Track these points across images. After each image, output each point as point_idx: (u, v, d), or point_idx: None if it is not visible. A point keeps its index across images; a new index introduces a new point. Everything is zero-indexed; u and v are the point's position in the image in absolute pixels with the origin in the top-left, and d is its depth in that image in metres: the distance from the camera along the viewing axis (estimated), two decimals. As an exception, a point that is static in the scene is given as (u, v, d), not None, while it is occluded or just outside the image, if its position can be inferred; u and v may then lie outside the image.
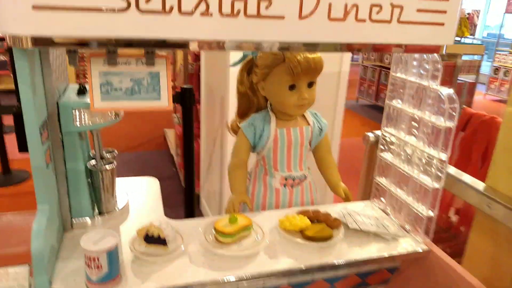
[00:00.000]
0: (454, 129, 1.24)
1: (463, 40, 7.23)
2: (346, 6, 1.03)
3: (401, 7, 1.09)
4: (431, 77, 1.30)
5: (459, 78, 6.34)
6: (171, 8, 0.92)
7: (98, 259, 1.04)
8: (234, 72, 1.73)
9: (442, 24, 1.15)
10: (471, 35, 7.95)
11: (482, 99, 9.48)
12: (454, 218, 2.06)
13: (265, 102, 1.72)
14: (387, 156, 1.54)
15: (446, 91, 1.24)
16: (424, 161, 1.35)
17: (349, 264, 1.29)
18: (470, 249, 1.53)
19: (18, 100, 1.26)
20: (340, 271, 1.44)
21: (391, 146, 1.52)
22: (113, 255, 1.07)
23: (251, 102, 1.73)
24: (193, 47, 0.99)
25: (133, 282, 1.13)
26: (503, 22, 9.84)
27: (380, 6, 1.07)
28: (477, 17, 7.86)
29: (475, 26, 7.97)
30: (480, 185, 1.42)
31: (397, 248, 1.36)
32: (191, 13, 0.93)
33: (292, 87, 1.53)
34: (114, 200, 1.44)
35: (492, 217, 1.34)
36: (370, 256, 1.31)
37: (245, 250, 1.26)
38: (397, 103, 1.46)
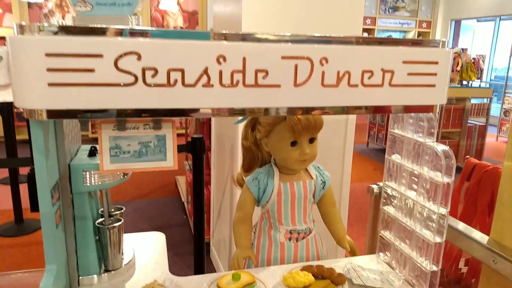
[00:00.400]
0: (452, 184, 1.27)
1: (471, 83, 7.33)
2: (338, 73, 1.10)
3: (392, 72, 1.16)
4: (427, 134, 1.34)
5: (469, 121, 6.37)
6: (175, 82, 1.00)
7: (102, 320, 1.06)
8: (241, 123, 1.80)
9: (433, 86, 1.21)
10: (478, 79, 8.05)
11: (494, 141, 9.42)
12: (464, 269, 2.02)
13: (269, 156, 1.77)
14: (389, 209, 1.56)
15: (441, 148, 1.27)
16: (425, 215, 1.37)
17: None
18: (480, 305, 1.50)
19: (32, 162, 1.34)
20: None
21: (393, 200, 1.54)
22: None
23: (255, 156, 1.78)
24: (196, 115, 1.06)
25: None
26: (510, 65, 9.97)
27: (372, 72, 1.14)
28: (483, 61, 7.99)
29: (482, 70, 8.09)
30: (484, 239, 1.42)
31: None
32: (193, 85, 1.01)
33: (293, 144, 1.59)
34: (120, 257, 1.47)
35: (498, 272, 1.33)
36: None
37: (249, 309, 1.27)
38: (396, 158, 1.50)
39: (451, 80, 5.73)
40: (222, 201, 3.33)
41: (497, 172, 1.95)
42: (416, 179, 1.40)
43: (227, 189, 3.10)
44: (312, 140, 1.61)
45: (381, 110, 1.20)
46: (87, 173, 1.32)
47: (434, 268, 1.33)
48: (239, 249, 1.61)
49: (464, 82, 7.34)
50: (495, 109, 9.74)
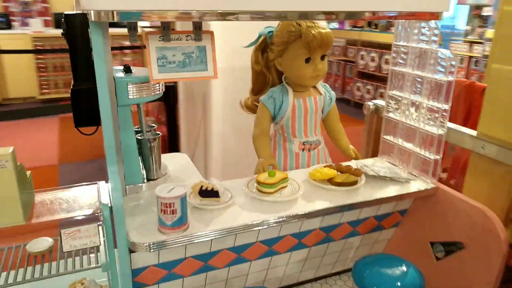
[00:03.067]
0: (454, 83, 1.49)
1: None
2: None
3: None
4: (431, 42, 1.54)
5: None
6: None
7: (173, 205, 1.21)
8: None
9: (439, -5, 1.39)
10: None
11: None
12: None
13: (277, 78, 1.92)
14: (394, 115, 1.77)
15: (445, 51, 1.48)
16: (428, 114, 1.59)
17: (372, 202, 1.51)
18: (466, 192, 1.78)
19: (75, 79, 1.41)
20: (362, 213, 1.66)
21: (397, 106, 1.76)
22: (184, 202, 1.24)
23: (266, 79, 1.92)
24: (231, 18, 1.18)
25: (198, 227, 1.30)
26: (455, 14, 10.44)
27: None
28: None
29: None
30: (474, 132, 1.68)
31: (411, 188, 1.59)
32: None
33: (307, 60, 1.74)
34: (160, 167, 1.60)
35: (486, 156, 1.60)
36: (389, 195, 1.54)
37: (286, 197, 1.46)
38: (400, 68, 1.70)
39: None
40: (194, 153, 3.23)
41: (473, 86, 2.22)
42: (419, 84, 1.62)
43: (200, 141, 2.92)
44: (323, 57, 1.77)
45: (392, 17, 1.37)
46: (131, 86, 1.41)
47: (437, 156, 1.58)
48: (263, 157, 1.79)
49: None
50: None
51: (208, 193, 1.40)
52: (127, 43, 6.30)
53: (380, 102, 2.17)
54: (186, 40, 1.34)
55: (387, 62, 6.12)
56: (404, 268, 1.42)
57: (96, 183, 1.55)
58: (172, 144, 3.12)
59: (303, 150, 1.88)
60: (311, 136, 1.88)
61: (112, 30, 6.32)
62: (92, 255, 1.44)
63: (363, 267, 1.43)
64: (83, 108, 1.41)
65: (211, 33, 1.36)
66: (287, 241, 1.60)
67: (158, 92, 1.52)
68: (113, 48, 6.14)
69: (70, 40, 1.36)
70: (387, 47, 5.13)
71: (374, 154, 2.06)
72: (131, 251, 1.27)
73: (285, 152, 1.89)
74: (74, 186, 1.52)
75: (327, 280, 1.91)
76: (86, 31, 1.32)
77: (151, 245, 1.22)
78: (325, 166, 1.65)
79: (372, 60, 6.49)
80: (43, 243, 1.49)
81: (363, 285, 1.38)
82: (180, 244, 1.26)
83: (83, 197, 1.48)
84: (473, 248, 1.49)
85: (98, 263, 1.38)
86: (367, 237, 1.81)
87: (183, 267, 1.47)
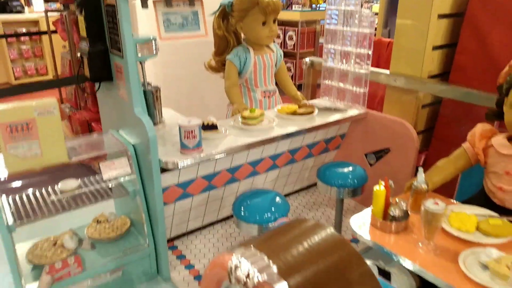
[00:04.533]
0: (373, 34, 2.07)
1: (319, 7, 8.49)
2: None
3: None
4: (356, 4, 2.10)
5: (320, 41, 7.49)
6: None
7: (194, 131, 1.61)
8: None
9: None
10: (324, 2, 9.31)
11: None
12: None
13: (236, 41, 2.35)
14: (330, 64, 2.33)
15: (367, 10, 2.05)
16: (356, 60, 2.17)
17: (325, 125, 2.05)
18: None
19: (90, 45, 1.69)
20: (316, 136, 2.21)
21: (331, 57, 2.31)
22: (200, 129, 1.64)
23: (228, 42, 2.34)
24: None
25: (209, 150, 1.71)
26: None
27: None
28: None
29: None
30: (387, 71, 2.31)
31: (349, 114, 2.17)
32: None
33: (264, 23, 2.20)
34: (161, 114, 1.96)
35: (397, 87, 2.24)
36: (335, 119, 2.09)
37: (266, 126, 1.93)
38: (333, 26, 2.24)
39: (303, 5, 6.33)
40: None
41: (380, 41, 2.89)
42: (349, 37, 2.18)
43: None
44: (275, 21, 2.24)
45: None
46: (139, 45, 1.74)
47: (365, 90, 2.18)
48: (237, 104, 2.22)
49: (314, 6, 8.33)
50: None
51: (209, 127, 1.81)
52: (24, 30, 5.97)
53: (314, 58, 2.73)
54: (183, 6, 1.71)
55: (291, 38, 6.76)
56: (351, 167, 1.99)
57: (109, 132, 1.86)
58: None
59: (264, 97, 2.36)
60: (269, 86, 2.37)
61: (7, 17, 5.90)
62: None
63: (326, 168, 1.97)
64: (98, 66, 1.71)
65: (201, 0, 1.75)
66: (265, 163, 2.09)
67: (154, 52, 1.86)
68: (9, 36, 5.79)
69: (85, 10, 1.64)
70: (289, 24, 5.77)
71: (314, 98, 2.62)
72: (162, 171, 1.64)
73: (250, 100, 2.35)
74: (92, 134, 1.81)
75: (290, 197, 2.45)
76: (99, 2, 1.62)
77: (179, 163, 1.60)
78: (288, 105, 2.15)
79: (277, 37, 7.12)
80: (71, 183, 1.77)
81: (327, 181, 1.92)
82: (200, 161, 1.66)
83: (105, 141, 1.79)
84: (396, 150, 2.13)
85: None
86: (318, 158, 2.38)
87: (194, 186, 1.87)
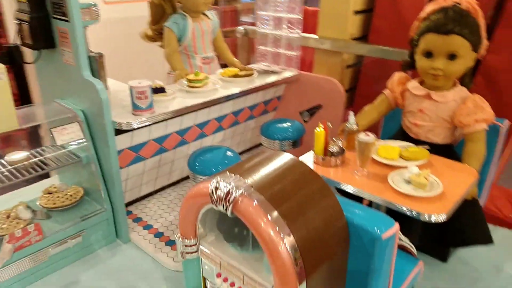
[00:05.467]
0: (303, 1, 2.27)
1: None
2: None
3: None
4: (284, -28, 2.26)
5: (241, 20, 7.67)
6: None
7: (145, 92, 1.68)
8: None
9: None
10: None
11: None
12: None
13: (172, 9, 2.41)
14: (264, 30, 2.49)
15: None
16: (288, 25, 2.36)
17: (265, 86, 2.23)
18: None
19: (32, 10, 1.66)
20: (257, 98, 2.38)
21: (265, 25, 2.47)
22: (151, 90, 1.72)
23: (163, 10, 2.39)
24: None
25: (160, 109, 1.79)
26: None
27: None
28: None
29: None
30: (315, 36, 2.53)
31: (285, 75, 2.36)
32: None
33: None
34: (105, 80, 1.97)
35: (325, 50, 2.48)
36: (273, 80, 2.27)
37: (211, 88, 2.05)
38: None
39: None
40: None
41: (307, 10, 3.11)
42: (280, 4, 2.35)
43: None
44: (211, -13, 2.34)
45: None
46: (81, 11, 1.74)
47: (297, 53, 2.38)
48: (179, 70, 2.29)
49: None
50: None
51: (158, 90, 1.89)
52: None
53: (248, 27, 2.87)
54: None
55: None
56: (290, 123, 2.19)
57: (53, 101, 1.85)
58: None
59: (204, 64, 2.46)
60: (208, 52, 2.47)
61: None
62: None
63: (269, 125, 2.15)
64: (42, 33, 1.69)
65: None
66: (212, 125, 2.21)
67: (96, 17, 1.86)
68: None
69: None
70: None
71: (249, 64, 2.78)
72: (117, 133, 1.69)
73: (190, 67, 2.43)
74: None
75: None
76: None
77: (133, 123, 1.67)
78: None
79: (214, 4, 7.09)
80: (19, 155, 1.74)
81: (270, 135, 2.10)
82: (153, 121, 1.73)
83: (51, 110, 1.78)
84: (327, 105, 2.37)
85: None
86: (258, 119, 2.55)
87: (146, 149, 1.94)
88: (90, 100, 1.66)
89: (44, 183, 2.10)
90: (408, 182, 1.42)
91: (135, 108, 1.71)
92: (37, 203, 1.83)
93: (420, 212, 1.28)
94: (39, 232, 1.63)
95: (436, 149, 1.64)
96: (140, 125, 1.69)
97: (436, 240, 1.69)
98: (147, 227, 1.96)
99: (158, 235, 1.90)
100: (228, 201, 0.97)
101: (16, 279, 1.59)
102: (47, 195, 1.87)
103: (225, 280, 1.14)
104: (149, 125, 1.82)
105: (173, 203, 2.16)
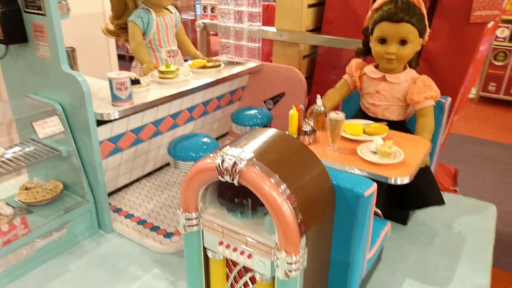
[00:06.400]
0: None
1: None
2: None
3: None
4: (244, -32, 2.39)
5: (183, 17, 7.71)
6: None
7: (125, 83, 1.74)
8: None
9: None
10: None
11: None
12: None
13: (134, 4, 2.45)
14: (226, 24, 2.60)
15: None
16: (249, 18, 2.49)
17: (231, 76, 2.35)
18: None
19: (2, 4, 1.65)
20: (223, 88, 2.49)
21: (227, 18, 2.59)
22: (130, 81, 1.77)
23: (126, 5, 2.42)
24: None
25: (139, 100, 1.85)
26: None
27: None
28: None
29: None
30: (273, 29, 2.69)
31: (249, 66, 2.50)
32: None
33: None
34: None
35: (283, 41, 2.64)
36: (238, 71, 2.40)
37: (183, 79, 2.14)
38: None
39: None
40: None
41: (269, 6, 3.26)
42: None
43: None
44: (172, -16, 2.41)
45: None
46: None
47: (259, 45, 2.52)
48: (147, 63, 2.34)
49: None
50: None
51: (134, 82, 1.94)
52: None
53: (205, 21, 2.97)
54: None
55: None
56: (258, 110, 2.33)
57: (28, 96, 1.84)
58: None
59: (169, 57, 2.53)
60: (172, 46, 2.54)
61: None
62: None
63: (239, 112, 2.27)
64: (14, 27, 1.68)
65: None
66: (184, 115, 2.30)
67: (67, 11, 1.87)
68: None
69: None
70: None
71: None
72: (98, 124, 1.73)
73: (156, 60, 2.49)
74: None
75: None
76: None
77: (114, 114, 1.72)
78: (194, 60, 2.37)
79: None
80: (-4, 151, 1.73)
81: (241, 122, 2.23)
82: (132, 112, 1.79)
83: (26, 105, 1.77)
84: (290, 93, 2.54)
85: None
86: (225, 110, 2.67)
87: (124, 140, 1.99)
88: (70, 93, 1.69)
89: (19, 180, 2.07)
90: (375, 152, 1.62)
91: (115, 99, 1.76)
92: (16, 199, 1.82)
93: (388, 176, 1.49)
94: (25, 226, 1.63)
95: (392, 125, 1.87)
96: (122, 116, 1.75)
97: (396, 206, 1.92)
98: (129, 216, 2.01)
99: (142, 222, 1.96)
100: (235, 171, 1.09)
101: (4, 274, 1.58)
102: (25, 191, 1.86)
103: (228, 246, 1.25)
104: (129, 115, 1.87)
105: (150, 193, 2.21)
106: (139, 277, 1.65)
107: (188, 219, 1.28)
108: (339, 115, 1.65)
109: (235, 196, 1.24)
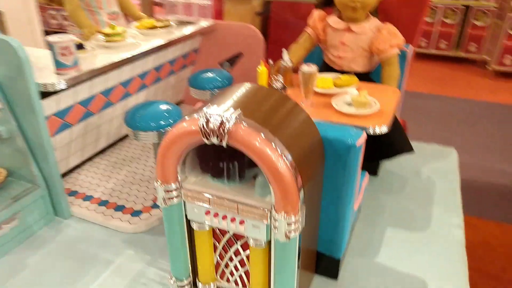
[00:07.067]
0: None
1: None
2: None
3: None
4: None
5: None
6: None
7: (69, 47, 1.51)
8: None
9: None
10: None
11: None
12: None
13: None
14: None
15: None
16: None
17: (184, 37, 2.17)
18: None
19: None
20: (175, 51, 2.31)
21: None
22: (74, 45, 1.55)
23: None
24: None
25: (87, 66, 1.63)
26: None
27: None
28: None
29: None
30: None
31: (202, 25, 2.32)
32: None
33: None
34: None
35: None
36: (191, 31, 2.22)
37: (132, 41, 1.92)
38: None
39: None
40: None
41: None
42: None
43: None
44: None
45: None
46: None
47: (209, 3, 2.34)
48: (87, 27, 2.08)
49: None
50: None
51: (77, 47, 1.70)
52: None
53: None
54: None
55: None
56: (216, 72, 2.18)
57: None
58: None
59: (110, 19, 2.27)
60: (113, 7, 2.28)
61: None
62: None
63: (196, 75, 2.11)
64: None
65: None
66: (136, 82, 2.09)
67: None
68: None
69: None
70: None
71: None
72: (42, 96, 1.51)
73: (97, 23, 2.24)
74: None
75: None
76: None
77: (60, 83, 1.50)
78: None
79: None
80: None
81: (199, 86, 2.07)
82: (81, 80, 1.58)
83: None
84: (248, 52, 2.41)
85: None
86: (178, 75, 2.48)
87: (72, 114, 1.77)
88: (4, 62, 1.44)
89: None
90: (350, 104, 1.57)
91: (59, 66, 1.53)
92: (-50, 193, 1.56)
93: (366, 126, 1.44)
94: (-32, 221, 1.41)
95: (358, 77, 1.83)
96: (69, 85, 1.53)
97: (368, 157, 1.92)
98: (87, 198, 1.82)
99: (103, 203, 1.79)
100: (223, 131, 0.97)
101: (-50, 279, 1.37)
102: (-39, 183, 1.60)
103: (216, 215, 1.15)
104: (76, 85, 1.65)
105: (107, 171, 2.02)
106: (112, 262, 1.50)
107: (167, 191, 1.15)
108: (312, 68, 1.57)
109: (220, 161, 1.13)
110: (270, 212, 1.05)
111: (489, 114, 3.41)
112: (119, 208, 1.76)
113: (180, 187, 1.16)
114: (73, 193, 1.86)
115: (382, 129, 1.45)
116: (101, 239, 1.61)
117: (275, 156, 0.97)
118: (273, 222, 1.04)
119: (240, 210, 1.10)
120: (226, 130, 0.97)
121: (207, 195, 1.13)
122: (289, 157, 0.99)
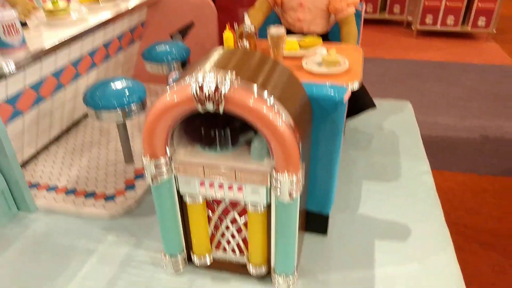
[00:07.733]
0: None
1: None
2: None
3: None
4: None
5: None
6: None
7: (15, 25, 1.35)
8: None
9: None
10: None
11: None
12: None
13: None
14: None
15: None
16: None
17: (134, 9, 2.03)
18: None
19: None
20: (123, 25, 2.16)
21: None
22: (20, 22, 1.39)
23: None
24: None
25: (35, 46, 1.47)
26: None
27: None
28: None
29: None
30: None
31: (149, -5, 2.18)
32: None
33: None
34: None
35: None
36: (138, 3, 2.07)
37: (79, 17, 1.76)
38: None
39: None
40: None
41: None
42: None
43: None
44: None
45: None
46: None
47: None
48: (21, 4, 1.85)
49: None
50: None
51: (23, 24, 1.53)
52: None
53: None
54: None
55: None
56: (172, 44, 2.08)
57: None
58: None
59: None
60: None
61: None
62: None
63: (151, 49, 1.99)
64: None
65: None
66: (86, 61, 1.94)
67: None
68: None
69: None
70: None
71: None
72: (-9, 81, 1.34)
73: (31, 0, 2.01)
74: None
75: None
76: None
77: (9, 65, 1.34)
78: (84, -6, 1.97)
79: None
80: None
81: (155, 59, 1.97)
82: (29, 62, 1.42)
83: None
84: (200, 21, 2.32)
85: None
86: (127, 52, 2.34)
87: (23, 100, 1.61)
88: None
89: None
90: (320, 64, 1.58)
91: (5, 46, 1.37)
92: None
93: (339, 85, 1.46)
94: None
95: (318, 38, 1.84)
96: (18, 66, 1.37)
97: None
98: (51, 188, 1.69)
99: (71, 192, 1.67)
100: (219, 95, 0.93)
101: None
102: None
103: (211, 185, 1.12)
104: (25, 66, 1.49)
105: (67, 159, 1.88)
106: (94, 250, 1.42)
107: (157, 166, 1.09)
108: (281, 30, 1.55)
109: (211, 129, 1.09)
110: (270, 175, 1.04)
111: (418, 72, 3.58)
112: (90, 195, 1.65)
113: (170, 160, 1.11)
114: (34, 186, 1.72)
115: (354, 85, 1.48)
116: (75, 229, 1.51)
117: (273, 115, 0.95)
118: (275, 183, 1.03)
119: (238, 177, 1.08)
120: (222, 95, 0.93)
121: (200, 165, 1.09)
122: (287, 115, 0.98)
